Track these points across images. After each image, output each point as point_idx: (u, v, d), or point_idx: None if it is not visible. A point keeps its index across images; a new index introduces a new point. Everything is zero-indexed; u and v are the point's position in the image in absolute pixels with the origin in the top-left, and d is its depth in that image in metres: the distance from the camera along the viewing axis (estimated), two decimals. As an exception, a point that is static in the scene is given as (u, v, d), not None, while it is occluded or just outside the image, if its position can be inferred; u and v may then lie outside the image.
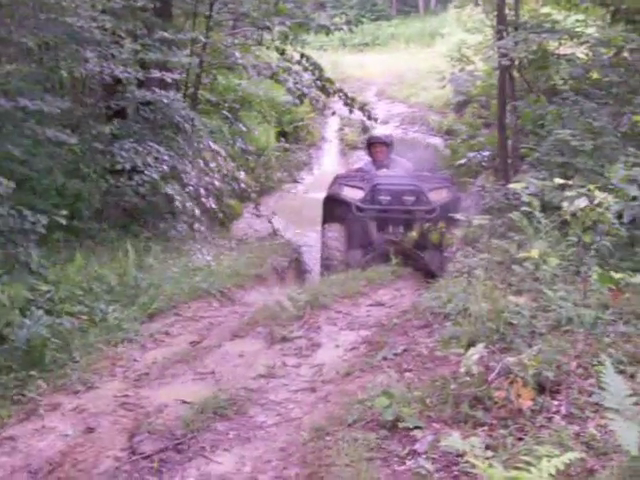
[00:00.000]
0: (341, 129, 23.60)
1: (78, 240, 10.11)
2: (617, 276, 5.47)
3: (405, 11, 44.20)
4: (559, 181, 6.18)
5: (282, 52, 14.76)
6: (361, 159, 16.11)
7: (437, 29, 32.48)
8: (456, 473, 4.12)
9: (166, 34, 11.72)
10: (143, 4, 11.31)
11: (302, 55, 14.81)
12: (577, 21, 14.59)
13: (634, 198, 6.25)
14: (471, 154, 17.14)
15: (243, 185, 14.62)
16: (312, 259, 13.28)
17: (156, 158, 10.89)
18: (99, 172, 10.78)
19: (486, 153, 16.60)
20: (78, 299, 8.13)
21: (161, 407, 5.84)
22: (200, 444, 5.14)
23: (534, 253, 5.63)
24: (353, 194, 11.48)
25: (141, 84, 11.50)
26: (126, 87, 11.31)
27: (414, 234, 10.89)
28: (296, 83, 14.27)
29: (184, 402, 5.90)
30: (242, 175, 14.48)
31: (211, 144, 13.59)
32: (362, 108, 15.53)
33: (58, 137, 8.97)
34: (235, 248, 12.72)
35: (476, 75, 19.92)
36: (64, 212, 8.26)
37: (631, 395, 3.67)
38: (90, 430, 5.48)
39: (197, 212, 12.05)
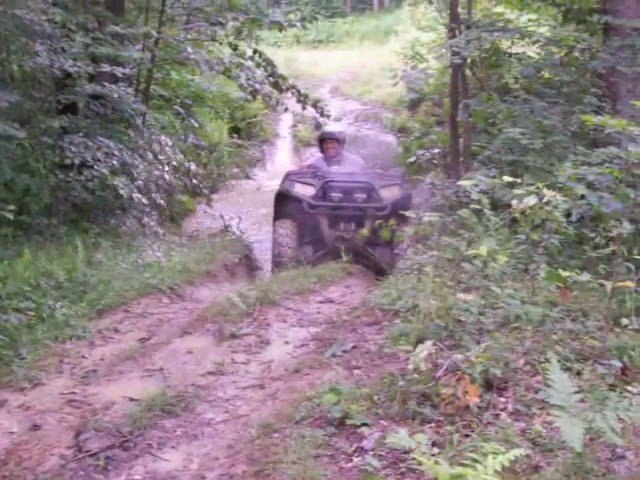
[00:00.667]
0: (294, 126, 23.58)
1: (26, 235, 10.01)
2: (564, 274, 5.52)
3: (360, 8, 44.17)
4: (508, 179, 6.21)
5: (235, 48, 14.70)
6: (314, 155, 16.09)
7: (391, 27, 32.43)
8: (403, 470, 4.13)
9: (117, 28, 11.61)
10: (94, -3, 11.25)
11: (255, 51, 14.74)
12: (529, 20, 14.70)
13: (582, 197, 6.29)
14: (421, 151, 17.20)
15: (195, 181, 14.56)
16: (263, 255, 13.24)
17: (106, 153, 10.81)
18: (48, 167, 10.67)
19: (436, 150, 16.67)
20: (26, 295, 8.04)
21: (108, 404, 5.80)
22: (147, 441, 5.11)
23: (482, 251, 5.66)
24: (304, 191, 11.45)
25: (92, 78, 11.40)
26: (76, 81, 11.21)
27: (365, 231, 10.92)
28: (248, 79, 14.21)
29: (132, 399, 5.87)
30: (193, 167, 14.42)
31: (162, 138, 13.51)
32: (315, 105, 15.51)
33: (7, 131, 8.89)
34: (186, 244, 12.67)
35: (429, 73, 20.02)
36: (12, 207, 8.16)
37: (576, 392, 3.70)
38: (36, 427, 5.43)
39: (146, 207, 11.98)
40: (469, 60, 12.54)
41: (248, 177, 20.69)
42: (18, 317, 7.28)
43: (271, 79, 14.76)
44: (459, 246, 6.99)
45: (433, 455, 3.86)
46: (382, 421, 4.70)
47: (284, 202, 11.75)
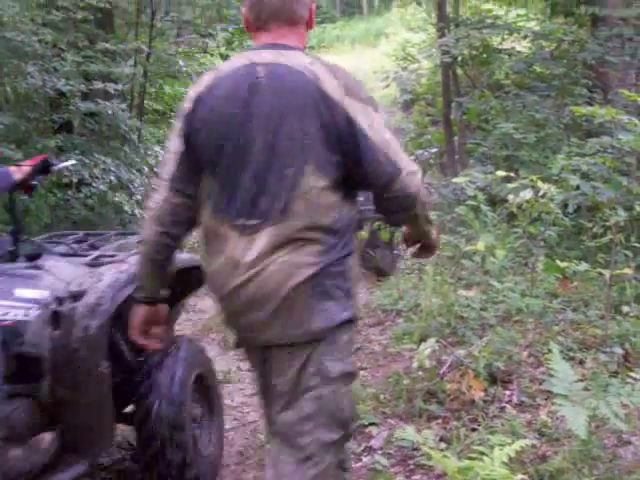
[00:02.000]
0: (290, 132, 23.53)
1: (28, 255, 10.02)
2: (562, 265, 5.54)
3: (349, 12, 44.19)
4: (501, 174, 6.24)
5: (226, 58, 14.72)
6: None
7: (381, 29, 32.45)
8: (412, 467, 4.16)
9: (108, 45, 11.64)
10: (84, 16, 11.25)
11: (245, 60, 14.77)
12: (518, 16, 14.76)
13: (577, 187, 6.32)
14: (418, 152, 17.22)
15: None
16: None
17: (103, 170, 10.83)
18: (47, 186, 10.69)
19: (433, 150, 16.70)
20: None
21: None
22: (157, 452, 5.12)
23: (480, 246, 5.69)
24: (303, 196, 11.45)
25: (85, 96, 11.42)
26: (70, 100, 11.24)
27: (364, 233, 10.92)
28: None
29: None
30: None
31: (157, 149, 13.53)
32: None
33: (3, 153, 8.91)
34: (187, 256, 12.65)
35: (421, 73, 20.03)
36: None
37: (579, 380, 3.72)
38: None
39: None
40: (460, 58, 12.57)
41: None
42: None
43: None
44: (458, 243, 7.02)
45: (441, 450, 3.89)
46: (389, 420, 4.73)
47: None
